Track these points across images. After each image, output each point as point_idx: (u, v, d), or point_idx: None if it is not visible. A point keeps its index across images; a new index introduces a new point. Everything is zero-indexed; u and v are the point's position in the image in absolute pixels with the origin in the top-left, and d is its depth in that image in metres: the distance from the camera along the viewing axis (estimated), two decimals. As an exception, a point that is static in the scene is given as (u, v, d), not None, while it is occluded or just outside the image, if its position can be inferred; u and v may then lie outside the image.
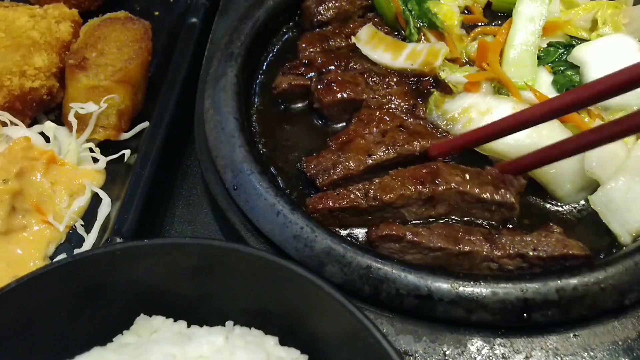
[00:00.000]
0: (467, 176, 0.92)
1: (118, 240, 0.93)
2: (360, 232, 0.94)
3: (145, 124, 1.13)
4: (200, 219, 1.08)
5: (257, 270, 0.70)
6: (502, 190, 0.91)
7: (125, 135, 1.14)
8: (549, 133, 0.94)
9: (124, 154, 1.10)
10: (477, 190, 0.90)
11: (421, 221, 0.94)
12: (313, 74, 1.11)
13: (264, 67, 1.21)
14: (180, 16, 1.35)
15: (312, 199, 0.94)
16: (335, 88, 1.07)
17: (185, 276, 0.73)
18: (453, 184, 0.91)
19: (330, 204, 0.92)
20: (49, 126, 1.11)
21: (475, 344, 0.79)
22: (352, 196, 0.92)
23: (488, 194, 0.90)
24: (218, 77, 1.10)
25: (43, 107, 1.16)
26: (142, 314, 0.74)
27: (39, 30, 1.18)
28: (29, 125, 1.14)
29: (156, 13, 1.41)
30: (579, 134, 0.89)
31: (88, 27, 1.22)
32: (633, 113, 0.85)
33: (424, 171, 0.93)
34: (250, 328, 0.71)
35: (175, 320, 0.74)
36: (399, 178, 0.93)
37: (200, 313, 0.74)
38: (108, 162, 1.10)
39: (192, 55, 1.22)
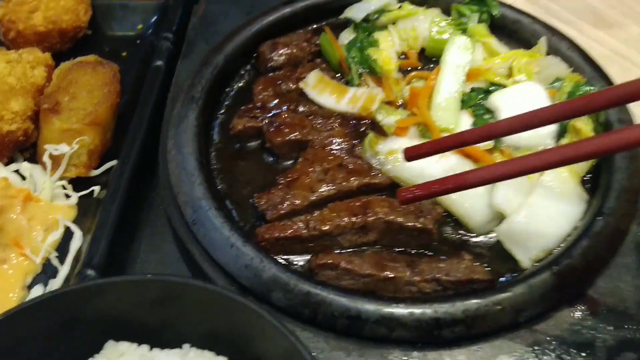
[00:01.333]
0: (394, 207, 1.07)
1: (89, 271, 1.05)
2: (304, 259, 1.07)
3: (114, 162, 1.25)
4: (164, 248, 1.19)
5: (210, 302, 0.84)
6: (422, 219, 1.06)
7: (95, 172, 1.25)
8: (457, 166, 1.10)
9: (93, 190, 1.23)
10: (400, 220, 1.05)
11: (356, 247, 1.08)
12: (266, 115, 1.25)
13: (223, 107, 1.34)
14: (147, 57, 1.47)
15: (261, 229, 1.07)
16: (284, 130, 1.21)
17: (149, 307, 0.86)
18: (380, 215, 1.06)
19: (276, 234, 1.06)
20: (25, 166, 1.23)
21: (395, 357, 0.94)
22: (295, 227, 1.06)
23: (410, 222, 1.05)
24: (180, 119, 1.22)
25: (19, 146, 1.28)
26: (110, 340, 0.86)
27: (15, 75, 1.29)
28: (6, 164, 1.25)
29: (124, 54, 1.53)
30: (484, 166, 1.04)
31: (60, 71, 1.33)
32: (540, 151, 0.98)
33: (357, 204, 1.08)
34: (204, 350, 0.85)
35: (139, 345, 0.87)
36: (336, 210, 1.08)
37: (161, 338, 0.87)
38: (79, 198, 1.22)
39: (157, 96, 1.34)
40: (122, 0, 1.64)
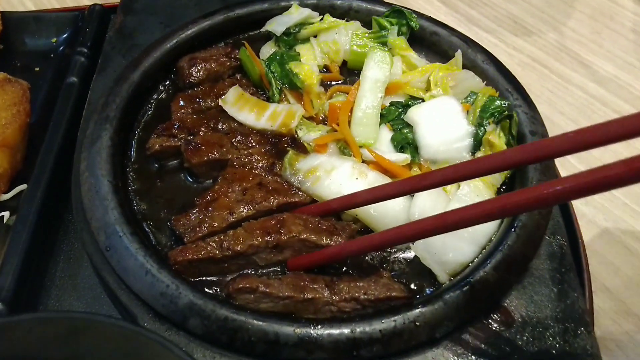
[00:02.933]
0: (307, 224, 1.06)
1: (-4, 304, 1.00)
2: (223, 282, 1.06)
3: (24, 186, 1.20)
4: (80, 274, 1.15)
5: (116, 337, 0.81)
6: (336, 236, 1.05)
7: (5, 197, 1.20)
8: (376, 183, 1.11)
9: (3, 216, 1.17)
10: (314, 237, 1.05)
11: (273, 266, 1.07)
12: (184, 135, 1.23)
13: (142, 124, 1.31)
14: (60, 73, 1.42)
15: (173, 252, 1.05)
16: (202, 149, 1.18)
17: (54, 343, 0.82)
18: (294, 233, 1.05)
19: (189, 256, 1.03)
20: None
21: (315, 380, 0.94)
22: (208, 248, 1.04)
23: (324, 239, 1.05)
24: (93, 140, 1.18)
25: None
26: (15, 380, 0.83)
27: None
28: None
29: (37, 69, 1.47)
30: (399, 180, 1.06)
31: (-34, 90, 1.28)
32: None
33: (271, 222, 1.07)
34: (112, 386, 0.82)
35: (47, 382, 0.83)
36: (249, 229, 1.06)
37: (71, 373, 0.84)
38: (-13, 224, 1.17)
39: (71, 115, 1.30)
40: (35, 12, 1.57)
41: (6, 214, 1.18)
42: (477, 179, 1.15)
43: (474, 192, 1.13)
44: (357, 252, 1.04)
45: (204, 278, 1.06)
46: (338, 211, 1.10)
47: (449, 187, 1.16)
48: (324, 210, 1.09)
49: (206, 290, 1.03)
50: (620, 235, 1.34)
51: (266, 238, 1.04)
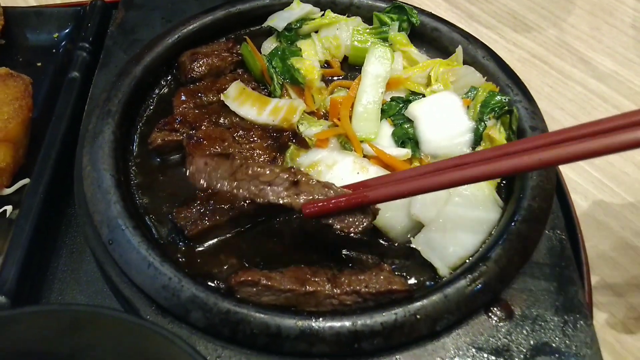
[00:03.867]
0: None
1: (0, 297, 1.01)
2: (225, 276, 1.06)
3: (26, 181, 1.21)
4: (83, 268, 1.16)
5: (120, 329, 0.81)
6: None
7: (7, 191, 1.21)
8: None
9: (5, 210, 1.18)
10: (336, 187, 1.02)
11: (280, 212, 1.06)
12: (186, 129, 1.23)
13: (144, 118, 1.31)
14: (62, 68, 1.42)
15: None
16: (204, 144, 1.19)
17: (57, 337, 0.83)
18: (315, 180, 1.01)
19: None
20: None
21: (316, 372, 0.94)
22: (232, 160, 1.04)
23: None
24: (96, 134, 1.19)
25: None
26: (17, 373, 0.83)
27: None
28: None
29: (38, 64, 1.47)
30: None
31: (-32, 85, 1.28)
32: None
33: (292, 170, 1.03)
34: (116, 378, 0.83)
35: (48, 376, 0.84)
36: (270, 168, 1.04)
37: (74, 366, 0.85)
38: (-10, 218, 1.17)
39: (73, 110, 1.30)
40: (37, 7, 1.58)
41: (9, 208, 1.19)
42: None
43: (474, 187, 1.14)
44: (381, 198, 0.99)
45: (207, 270, 1.06)
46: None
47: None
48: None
49: (208, 283, 1.04)
50: (620, 230, 1.35)
51: (288, 172, 1.02)
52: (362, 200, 0.98)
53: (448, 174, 0.94)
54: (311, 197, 1.00)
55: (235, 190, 1.04)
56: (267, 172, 1.02)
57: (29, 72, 1.38)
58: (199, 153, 1.03)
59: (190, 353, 0.78)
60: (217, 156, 1.04)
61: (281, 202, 1.01)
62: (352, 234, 1.00)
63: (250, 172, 1.03)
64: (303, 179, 1.01)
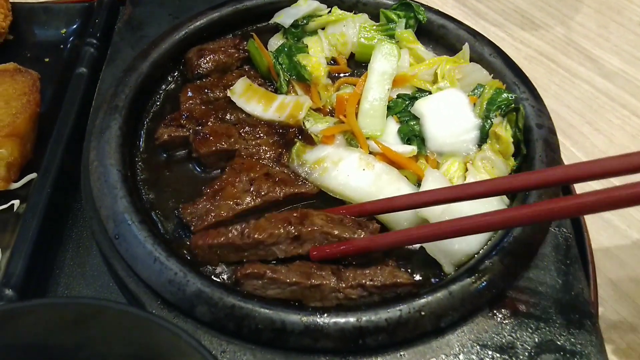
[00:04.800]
0: (331, 219, 1.06)
1: (7, 291, 1.01)
2: (230, 270, 1.06)
3: (34, 175, 1.21)
4: (90, 262, 1.16)
5: (126, 323, 0.82)
6: (360, 231, 1.05)
7: (15, 185, 1.21)
8: (389, 178, 1.12)
9: (13, 204, 1.18)
10: (337, 231, 1.04)
11: (292, 259, 1.06)
12: (192, 125, 1.23)
13: (150, 114, 1.32)
14: (70, 63, 1.43)
15: (196, 236, 1.06)
16: (210, 139, 1.19)
17: (64, 329, 0.83)
18: (317, 226, 1.04)
19: (209, 241, 1.04)
20: (-61, 181, 1.17)
21: (322, 367, 0.94)
22: (229, 235, 1.04)
23: (346, 234, 1.04)
24: (102, 129, 1.19)
25: None
26: (25, 364, 0.84)
27: None
28: None
29: (46, 59, 1.48)
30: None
31: (-24, 80, 1.29)
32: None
33: (294, 215, 1.06)
34: (123, 372, 0.83)
35: (56, 368, 0.85)
36: (272, 220, 1.06)
37: (79, 359, 0.85)
38: (-2, 212, 1.18)
39: (80, 105, 1.31)
40: (44, 3, 1.58)
41: (16, 202, 1.19)
42: (483, 171, 1.16)
43: (480, 182, 1.13)
44: (385, 246, 1.03)
45: (209, 267, 1.06)
46: (372, 214, 1.10)
47: (455, 179, 1.17)
48: (356, 212, 1.09)
49: (214, 278, 1.04)
50: (626, 229, 1.34)
51: (288, 228, 1.04)
52: (369, 247, 1.02)
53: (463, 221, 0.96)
54: (313, 243, 1.04)
55: (245, 260, 1.06)
56: (268, 235, 1.03)
57: (37, 67, 1.39)
58: (198, 236, 1.06)
59: (195, 347, 0.78)
60: (218, 236, 1.05)
61: (290, 255, 1.05)
62: None
63: (253, 240, 1.03)
64: (303, 230, 1.03)
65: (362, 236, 1.04)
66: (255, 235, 1.03)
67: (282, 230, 1.04)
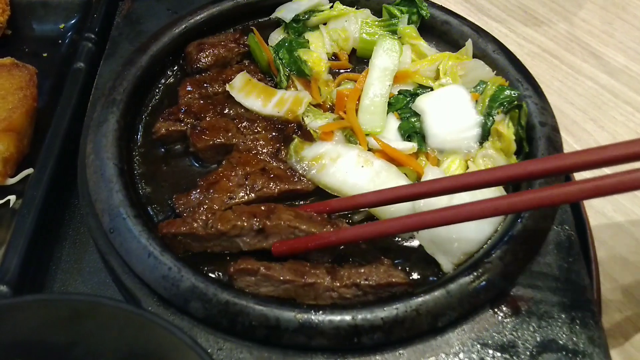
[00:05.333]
0: (299, 215, 1.05)
1: (2, 287, 1.00)
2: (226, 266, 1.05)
3: (30, 171, 1.20)
4: (85, 258, 1.15)
5: (120, 320, 0.81)
6: (328, 226, 1.03)
7: (11, 181, 1.20)
8: (388, 176, 1.10)
9: (9, 199, 1.17)
10: (304, 226, 1.02)
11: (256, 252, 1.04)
12: (190, 119, 1.22)
13: (149, 108, 1.31)
14: (68, 58, 1.42)
15: (162, 223, 1.05)
16: (208, 134, 1.18)
17: (57, 325, 0.82)
18: (282, 220, 1.03)
19: (173, 229, 1.03)
20: None
21: (318, 365, 0.93)
22: (194, 224, 1.03)
23: (314, 229, 1.02)
24: (100, 122, 1.18)
25: None
26: (18, 361, 0.83)
27: None
28: None
29: (44, 54, 1.47)
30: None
31: (-27, 75, 1.28)
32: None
33: (261, 208, 1.05)
34: (118, 367, 0.82)
35: (49, 365, 0.83)
36: (238, 212, 1.04)
37: (73, 356, 0.84)
38: (-7, 208, 1.17)
39: (77, 100, 1.30)
40: (43, -2, 1.58)
41: (12, 197, 1.18)
42: (483, 167, 1.15)
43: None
44: (351, 239, 1.01)
45: (204, 267, 1.05)
46: (338, 212, 1.08)
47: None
48: (323, 211, 1.07)
49: (209, 274, 1.03)
50: (629, 227, 1.32)
51: (252, 221, 1.02)
52: (329, 242, 0.99)
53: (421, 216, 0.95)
54: (279, 238, 1.02)
55: (209, 250, 1.05)
56: (231, 227, 1.02)
57: (35, 62, 1.39)
58: (164, 223, 1.04)
59: (189, 344, 0.77)
60: (182, 224, 1.03)
61: (253, 249, 1.03)
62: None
63: (216, 231, 1.02)
64: (268, 223, 1.01)
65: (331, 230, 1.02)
66: (219, 226, 1.02)
67: (245, 223, 1.02)
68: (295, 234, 1.02)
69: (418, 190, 0.99)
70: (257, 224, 1.02)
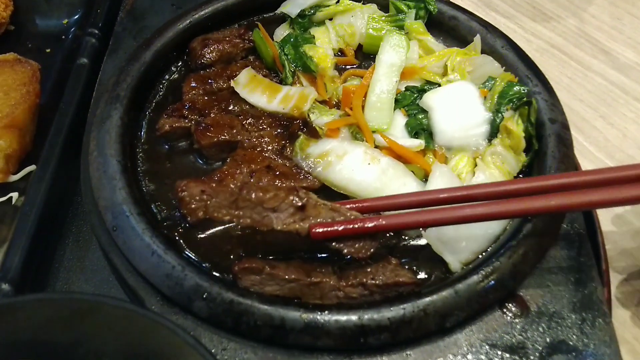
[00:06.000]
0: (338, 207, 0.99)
1: (4, 286, 0.99)
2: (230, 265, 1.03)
3: (33, 167, 1.19)
4: (88, 256, 1.14)
5: (123, 319, 0.80)
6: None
7: (13, 178, 1.19)
8: (395, 173, 1.08)
9: (11, 197, 1.16)
10: (346, 213, 0.98)
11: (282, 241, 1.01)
12: (194, 116, 1.21)
13: (152, 104, 1.29)
14: (71, 54, 1.41)
15: (188, 182, 1.01)
16: (212, 131, 1.16)
17: (59, 325, 0.81)
18: (325, 203, 0.98)
19: (202, 187, 0.99)
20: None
21: (325, 366, 0.91)
22: (230, 185, 0.99)
23: (354, 217, 0.98)
24: (103, 119, 1.17)
25: None
26: (18, 361, 0.82)
27: None
28: None
29: (48, 50, 1.46)
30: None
31: (-25, 71, 1.26)
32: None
33: (302, 187, 1.02)
34: (120, 367, 0.81)
35: (51, 364, 0.82)
36: (279, 185, 1.01)
37: (75, 356, 0.83)
38: (-5, 205, 1.16)
39: (81, 96, 1.28)
40: (46, -7, 1.56)
41: (15, 194, 1.17)
42: (492, 166, 1.13)
43: (489, 180, 1.10)
44: (394, 227, 0.98)
45: (208, 266, 1.02)
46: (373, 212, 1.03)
47: (463, 174, 1.13)
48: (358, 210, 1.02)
49: (213, 273, 1.01)
50: (640, 225, 1.31)
51: (294, 195, 0.98)
52: (376, 228, 0.96)
53: (473, 208, 0.94)
54: (316, 221, 0.98)
55: (236, 220, 1.00)
56: (271, 196, 0.98)
57: (38, 58, 1.37)
58: (192, 181, 1.01)
59: (193, 344, 0.76)
60: (214, 182, 1.01)
61: (286, 229, 0.98)
62: (357, 258, 0.98)
63: (253, 197, 0.99)
64: (310, 201, 0.98)
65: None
66: (260, 193, 0.98)
67: (288, 197, 0.98)
68: (333, 218, 0.97)
69: (467, 193, 0.97)
70: (299, 201, 0.97)
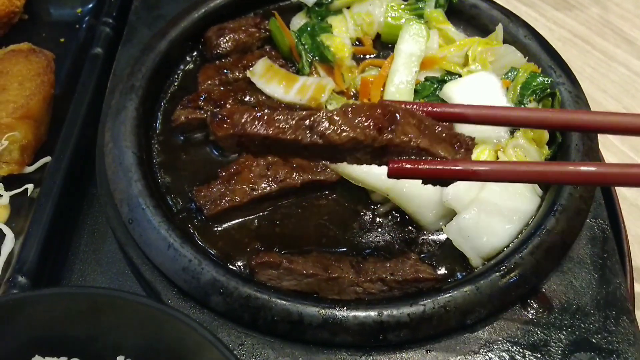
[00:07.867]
0: (424, 129, 0.84)
1: (20, 278, 0.98)
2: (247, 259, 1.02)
3: (48, 159, 1.18)
4: (104, 248, 1.13)
5: (139, 313, 0.79)
6: (457, 148, 0.85)
7: (29, 169, 1.18)
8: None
9: (27, 188, 1.15)
10: (433, 150, 0.83)
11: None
12: (210, 107, 1.19)
13: (168, 95, 1.27)
14: (85, 44, 1.39)
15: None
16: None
17: (76, 319, 0.81)
18: (411, 135, 0.82)
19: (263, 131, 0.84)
20: (-47, 166, 1.15)
21: (344, 362, 0.90)
22: (281, 125, 0.81)
23: (443, 152, 0.83)
24: (118, 110, 1.15)
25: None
26: (36, 355, 0.81)
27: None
28: None
29: (62, 40, 1.44)
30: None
31: (-10, 61, 1.25)
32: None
33: (378, 112, 0.82)
34: (137, 362, 0.80)
35: (69, 359, 0.81)
36: (351, 114, 0.81)
37: (92, 350, 0.82)
38: (11, 197, 1.14)
39: (95, 87, 1.27)
40: (60, -18, 1.54)
41: (30, 186, 1.16)
42: (515, 159, 1.10)
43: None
44: (493, 178, 0.85)
45: (225, 260, 1.01)
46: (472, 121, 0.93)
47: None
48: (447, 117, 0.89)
49: (230, 267, 1.00)
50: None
51: (374, 133, 0.80)
52: (467, 175, 0.82)
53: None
54: (396, 157, 0.82)
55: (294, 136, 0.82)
56: (348, 140, 0.80)
57: (52, 47, 1.36)
58: (224, 134, 0.89)
59: (210, 340, 0.75)
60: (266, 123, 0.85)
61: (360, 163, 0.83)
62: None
63: (325, 140, 0.81)
64: (396, 140, 0.80)
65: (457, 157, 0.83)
66: (333, 136, 0.79)
67: (367, 134, 0.80)
68: (418, 155, 0.83)
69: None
70: (383, 139, 0.81)
